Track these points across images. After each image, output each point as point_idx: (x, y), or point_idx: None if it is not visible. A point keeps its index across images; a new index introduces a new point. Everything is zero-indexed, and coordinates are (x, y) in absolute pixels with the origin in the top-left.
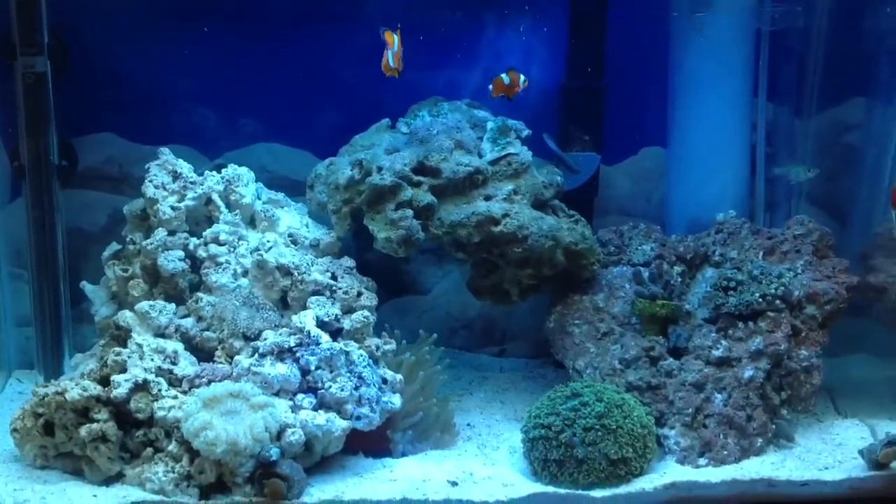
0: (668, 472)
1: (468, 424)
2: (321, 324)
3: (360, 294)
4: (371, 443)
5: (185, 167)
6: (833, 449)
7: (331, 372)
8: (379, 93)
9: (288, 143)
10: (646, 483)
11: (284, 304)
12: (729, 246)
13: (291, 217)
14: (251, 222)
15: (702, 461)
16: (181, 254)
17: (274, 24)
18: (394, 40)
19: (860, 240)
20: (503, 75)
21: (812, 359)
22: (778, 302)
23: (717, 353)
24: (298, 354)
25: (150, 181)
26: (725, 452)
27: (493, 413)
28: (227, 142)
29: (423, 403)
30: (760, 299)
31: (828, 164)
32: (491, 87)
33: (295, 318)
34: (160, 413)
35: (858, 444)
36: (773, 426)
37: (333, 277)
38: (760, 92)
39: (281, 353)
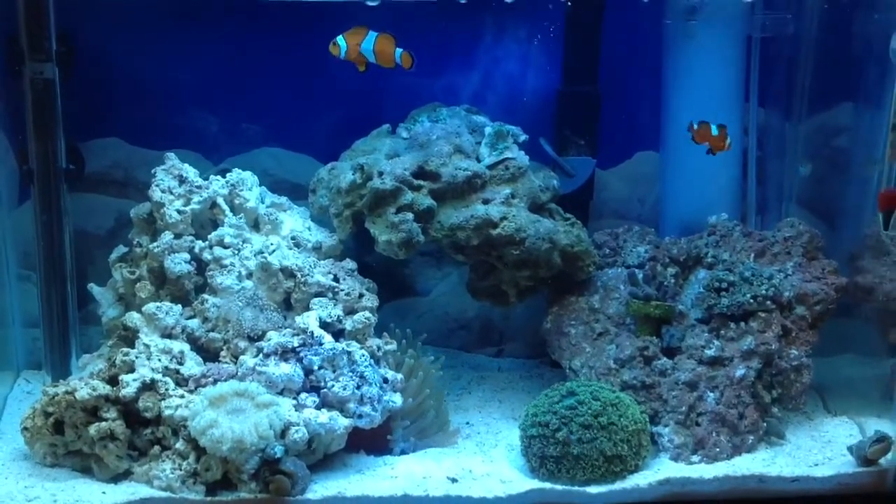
0: (662, 469)
1: (467, 423)
2: (324, 325)
3: (361, 295)
4: (372, 441)
5: (190, 172)
6: (823, 446)
7: (333, 371)
8: (379, 98)
9: (290, 148)
10: (640, 479)
11: (288, 306)
12: (721, 248)
13: (294, 220)
14: (255, 225)
15: (695, 458)
16: (187, 256)
17: (276, 31)
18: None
19: (849, 241)
20: (713, 126)
21: (802, 358)
22: (769, 303)
23: (709, 352)
24: (302, 354)
25: (157, 185)
26: (718, 449)
27: (491, 412)
28: (231, 146)
29: (419, 400)
30: (752, 300)
31: (817, 168)
32: (695, 128)
33: (298, 319)
34: (167, 412)
35: (847, 441)
36: (765, 424)
37: (335, 279)
38: (751, 97)
39: (285, 354)
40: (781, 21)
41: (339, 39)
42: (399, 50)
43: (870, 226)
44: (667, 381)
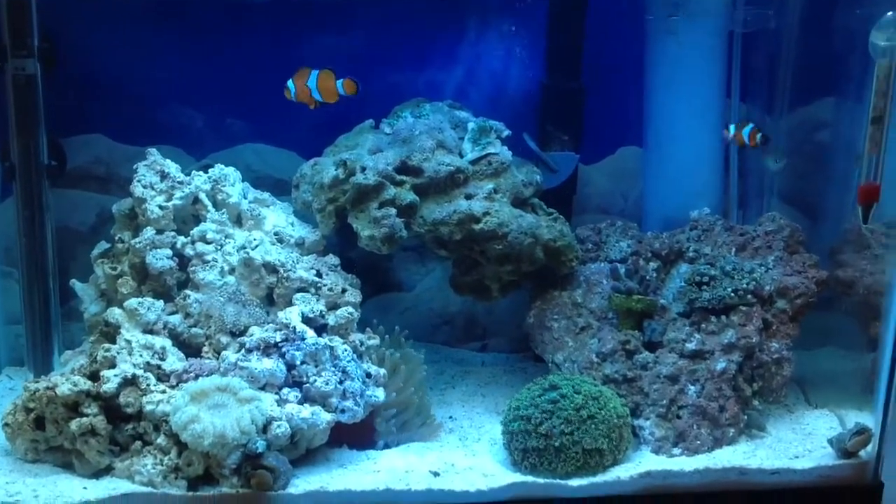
0: (644, 462)
1: (450, 417)
2: (306, 320)
3: (344, 291)
4: (355, 435)
5: (172, 167)
6: (803, 438)
7: (316, 366)
8: (363, 94)
9: (273, 144)
10: (621, 472)
11: (270, 301)
12: (703, 242)
13: (277, 216)
14: (238, 221)
15: (676, 451)
16: (169, 252)
17: (259, 27)
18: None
19: (830, 235)
20: (745, 128)
21: (783, 351)
22: (749, 296)
23: (690, 346)
24: (284, 350)
25: (139, 181)
26: (699, 442)
27: (474, 406)
28: (214, 142)
29: (403, 396)
30: (732, 294)
31: (799, 162)
32: (732, 133)
33: (280, 314)
34: (149, 407)
35: (828, 433)
36: (745, 416)
37: (318, 275)
38: (733, 92)
39: (267, 349)
40: (763, 16)
41: (289, 83)
42: (340, 81)
43: (850, 220)
44: (648, 375)
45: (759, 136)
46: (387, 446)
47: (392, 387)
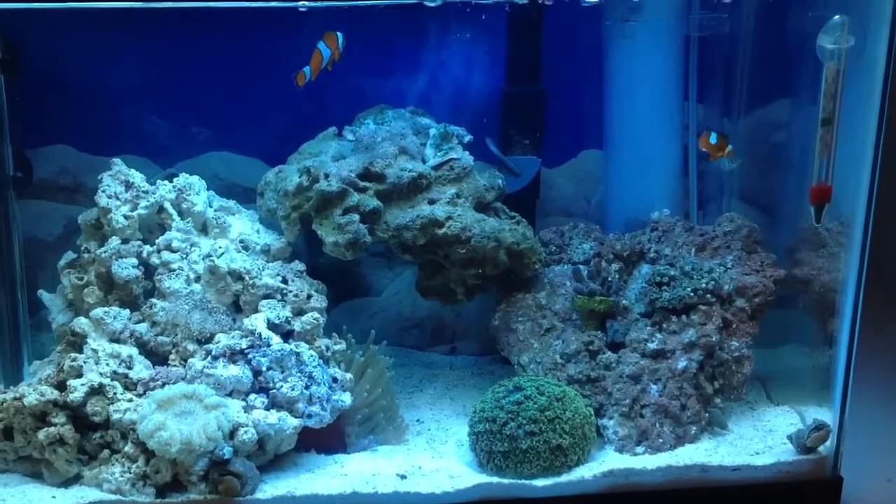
0: (607, 461)
1: (418, 420)
2: (272, 326)
3: (310, 297)
4: (323, 440)
5: (137, 177)
6: (764, 435)
7: (282, 372)
8: (326, 102)
9: (239, 152)
10: (585, 471)
11: (237, 308)
12: (663, 243)
13: (243, 223)
14: (203, 229)
15: (639, 449)
16: (135, 261)
17: (224, 36)
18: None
19: (788, 234)
20: (713, 133)
21: (742, 349)
22: (709, 296)
23: (652, 345)
24: (250, 356)
25: (103, 191)
26: (661, 440)
27: (442, 409)
28: (180, 151)
29: (370, 398)
30: (692, 293)
31: (757, 163)
32: (698, 140)
33: (246, 321)
34: (116, 416)
35: (788, 429)
36: (707, 414)
37: (284, 281)
38: (691, 95)
39: (233, 355)
40: (718, 20)
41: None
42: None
43: (806, 219)
44: (611, 375)
45: (728, 148)
46: (363, 450)
47: (358, 390)
